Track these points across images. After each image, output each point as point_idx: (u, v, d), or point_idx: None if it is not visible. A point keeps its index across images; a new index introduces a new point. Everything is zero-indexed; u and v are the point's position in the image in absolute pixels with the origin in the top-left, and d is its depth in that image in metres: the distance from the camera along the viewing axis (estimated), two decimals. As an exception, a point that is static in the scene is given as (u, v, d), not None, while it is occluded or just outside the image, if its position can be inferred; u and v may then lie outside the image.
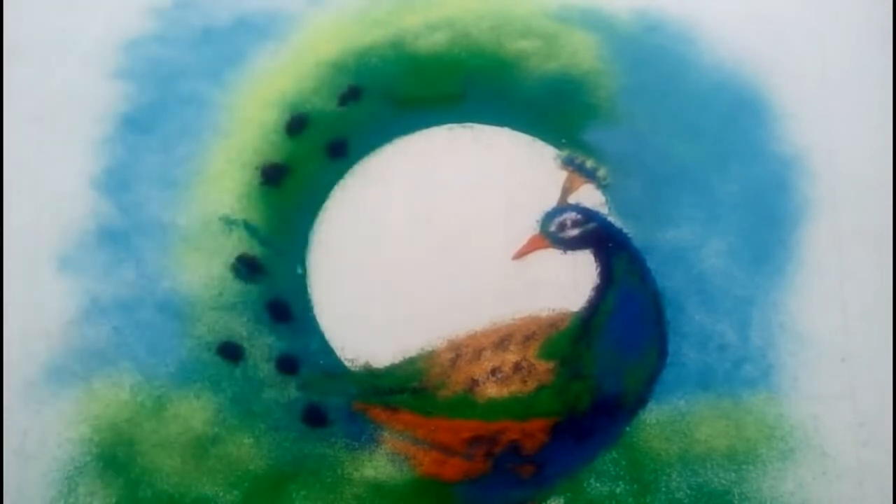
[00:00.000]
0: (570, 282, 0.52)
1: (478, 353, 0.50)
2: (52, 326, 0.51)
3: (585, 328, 0.50)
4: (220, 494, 0.47)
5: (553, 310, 0.51)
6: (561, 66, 0.58)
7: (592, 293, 0.51)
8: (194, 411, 0.49)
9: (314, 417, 0.49)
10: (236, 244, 0.53)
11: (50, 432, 0.48)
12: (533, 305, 0.51)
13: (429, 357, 0.50)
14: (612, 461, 0.47)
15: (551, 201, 0.54)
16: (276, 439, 0.48)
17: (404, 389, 0.50)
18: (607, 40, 0.58)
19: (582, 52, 0.58)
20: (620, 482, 0.47)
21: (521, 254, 0.53)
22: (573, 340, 0.50)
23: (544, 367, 0.50)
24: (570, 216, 0.53)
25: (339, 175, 0.55)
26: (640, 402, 0.49)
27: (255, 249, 0.53)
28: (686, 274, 0.52)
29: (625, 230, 0.53)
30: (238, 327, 0.51)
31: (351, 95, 0.57)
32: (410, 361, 0.50)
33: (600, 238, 0.53)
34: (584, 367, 0.49)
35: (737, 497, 0.46)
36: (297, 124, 0.56)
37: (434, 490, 0.47)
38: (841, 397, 0.48)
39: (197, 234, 0.53)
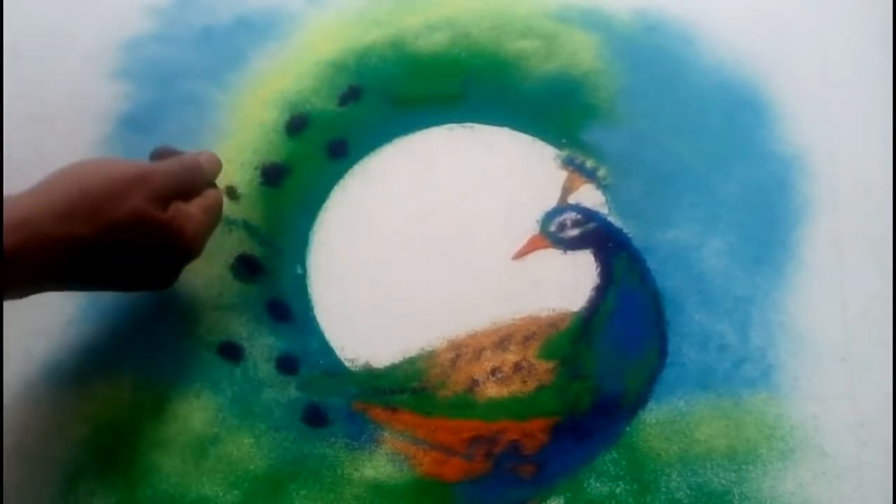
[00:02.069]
0: (570, 282, 0.52)
1: (478, 353, 0.50)
2: (52, 326, 0.51)
3: (585, 328, 0.50)
4: (220, 494, 0.47)
5: (553, 310, 0.51)
6: (561, 66, 0.58)
7: (592, 293, 0.51)
8: (194, 411, 0.49)
9: (314, 417, 0.49)
10: (236, 244, 0.53)
11: (50, 432, 0.48)
12: (533, 305, 0.51)
13: (429, 357, 0.50)
14: (612, 461, 0.47)
15: (551, 201, 0.54)
16: (276, 439, 0.48)
17: (404, 389, 0.50)
18: (607, 40, 0.58)
19: (582, 52, 0.58)
20: (620, 482, 0.47)
21: (521, 254, 0.53)
22: (573, 340, 0.50)
23: (544, 367, 0.50)
24: (570, 216, 0.53)
25: (339, 175, 0.55)
26: (640, 402, 0.48)
27: (255, 249, 0.53)
28: (686, 274, 0.51)
29: (625, 230, 0.53)
30: (238, 327, 0.51)
31: (351, 95, 0.57)
32: (410, 361, 0.50)
33: (600, 238, 0.53)
34: (584, 367, 0.49)
35: (737, 497, 0.46)
36: (296, 124, 0.56)
37: (434, 490, 0.47)
38: (841, 397, 0.48)
39: (197, 234, 0.53)
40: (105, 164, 0.43)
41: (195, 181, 0.46)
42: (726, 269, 0.52)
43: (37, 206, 0.39)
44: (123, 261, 0.43)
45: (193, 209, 0.45)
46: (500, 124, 0.56)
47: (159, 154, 0.48)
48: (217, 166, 0.49)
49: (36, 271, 0.40)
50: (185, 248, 0.45)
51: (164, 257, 0.44)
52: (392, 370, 0.50)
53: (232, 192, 0.54)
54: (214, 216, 0.47)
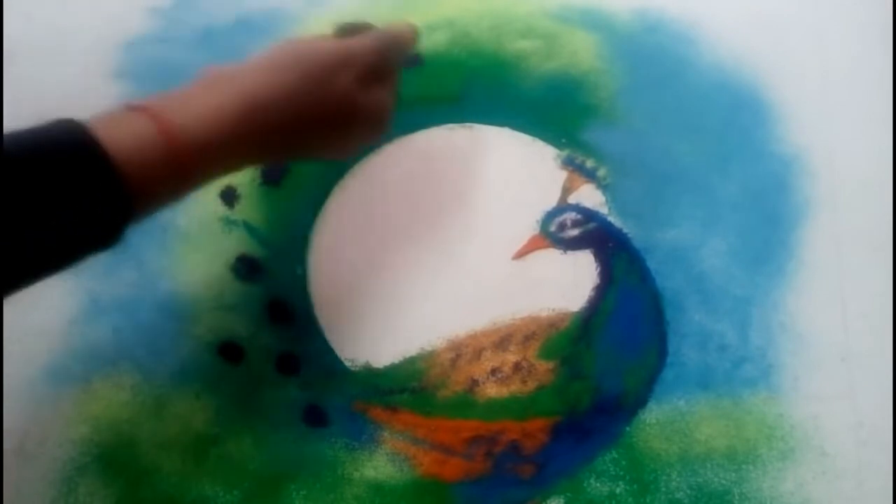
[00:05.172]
0: (570, 282, 0.52)
1: (478, 353, 0.50)
2: (52, 326, 0.51)
3: (585, 328, 0.50)
4: (220, 494, 0.47)
5: (553, 310, 0.51)
6: (561, 66, 0.58)
7: (592, 293, 0.51)
8: (194, 411, 0.49)
9: (314, 417, 0.49)
10: (236, 244, 0.53)
11: (50, 432, 0.48)
12: (533, 305, 0.51)
13: (429, 357, 0.50)
14: (612, 461, 0.47)
15: (551, 201, 0.54)
16: (276, 439, 0.48)
17: (404, 389, 0.50)
18: (607, 40, 0.58)
19: (582, 52, 0.58)
20: (620, 482, 0.47)
21: (521, 254, 0.53)
22: (573, 340, 0.50)
23: (544, 367, 0.50)
24: (570, 216, 0.53)
25: (339, 175, 0.55)
26: (640, 402, 0.49)
27: (255, 249, 0.53)
28: (686, 274, 0.52)
29: (625, 230, 0.53)
30: (238, 327, 0.51)
31: (351, 95, 0.57)
32: (410, 361, 0.50)
33: (600, 238, 0.53)
34: (584, 367, 0.49)
35: (737, 497, 0.46)
36: (297, 124, 0.56)
37: (434, 490, 0.47)
38: (841, 397, 0.48)
39: (197, 234, 0.53)
40: (313, 45, 0.43)
41: (391, 60, 0.47)
42: (726, 269, 0.52)
43: (266, 87, 0.40)
44: (328, 137, 0.44)
45: (385, 95, 0.46)
46: (500, 124, 0.56)
47: (346, 30, 0.48)
48: (413, 38, 0.49)
49: (261, 148, 0.41)
50: (377, 132, 0.47)
51: (358, 136, 0.46)
52: (392, 370, 0.50)
53: (232, 192, 0.54)
54: (394, 101, 0.48)
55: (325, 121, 0.42)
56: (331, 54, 0.42)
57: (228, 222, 0.54)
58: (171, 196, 0.38)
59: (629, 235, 0.53)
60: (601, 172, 0.54)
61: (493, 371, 0.50)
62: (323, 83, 0.41)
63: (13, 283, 0.35)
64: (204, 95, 0.38)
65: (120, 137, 0.35)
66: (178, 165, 0.36)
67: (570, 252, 0.53)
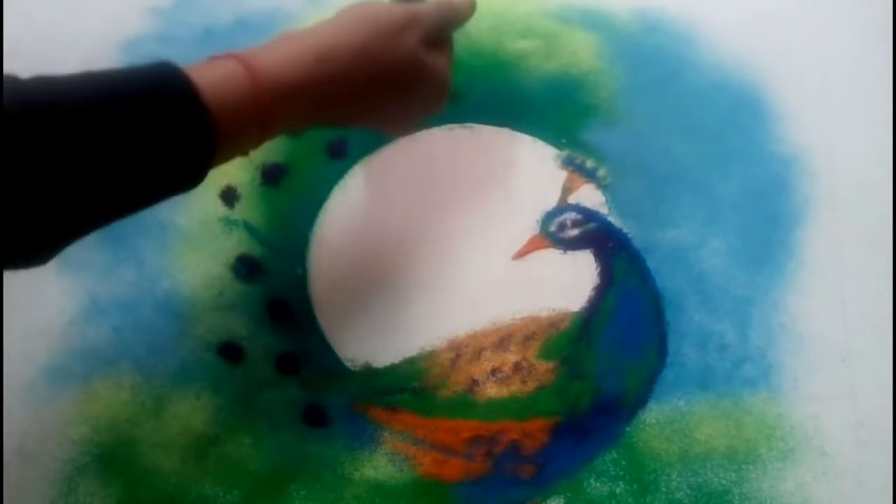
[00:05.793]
0: (570, 282, 0.52)
1: (478, 353, 0.50)
2: (52, 326, 0.51)
3: (585, 328, 0.50)
4: (220, 494, 0.47)
5: (553, 310, 0.51)
6: (561, 66, 0.58)
7: (592, 293, 0.51)
8: (194, 411, 0.49)
9: (314, 417, 0.49)
10: (236, 244, 0.53)
11: (50, 432, 0.48)
12: (533, 305, 0.51)
13: (429, 357, 0.50)
14: (612, 461, 0.47)
15: (551, 201, 0.54)
16: (276, 439, 0.48)
17: (404, 389, 0.50)
18: (607, 40, 0.58)
19: (582, 52, 0.58)
20: (620, 482, 0.47)
21: (521, 254, 0.53)
22: (573, 340, 0.50)
23: (544, 367, 0.50)
24: (570, 216, 0.53)
25: (339, 175, 0.55)
26: (640, 402, 0.48)
27: (255, 249, 0.53)
28: (686, 274, 0.52)
29: (625, 230, 0.53)
30: (238, 327, 0.51)
31: (351, 95, 0.57)
32: (410, 361, 0.50)
33: (600, 238, 0.53)
34: (584, 367, 0.49)
35: (737, 497, 0.46)
36: (297, 124, 0.56)
37: (434, 490, 0.47)
38: (841, 397, 0.48)
39: (197, 234, 0.53)
40: (381, 6, 0.44)
41: (450, 26, 0.48)
42: (726, 269, 0.52)
43: (338, 40, 0.41)
44: (395, 97, 0.44)
45: (444, 61, 0.47)
46: (500, 124, 0.56)
47: (404, 2, 0.49)
48: (470, 9, 0.50)
49: (333, 100, 0.41)
50: (439, 98, 0.48)
51: (422, 100, 0.47)
52: (392, 370, 0.50)
53: (232, 192, 0.54)
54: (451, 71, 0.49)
55: (392, 78, 0.43)
56: (398, 14, 0.43)
57: (228, 222, 0.54)
58: (249, 141, 0.39)
59: (629, 235, 0.53)
60: (601, 172, 0.54)
61: (493, 371, 0.50)
62: (391, 40, 0.42)
63: (93, 220, 0.36)
64: (282, 46, 0.40)
65: (209, 75, 0.36)
66: (260, 108, 0.38)
67: (570, 252, 0.53)
